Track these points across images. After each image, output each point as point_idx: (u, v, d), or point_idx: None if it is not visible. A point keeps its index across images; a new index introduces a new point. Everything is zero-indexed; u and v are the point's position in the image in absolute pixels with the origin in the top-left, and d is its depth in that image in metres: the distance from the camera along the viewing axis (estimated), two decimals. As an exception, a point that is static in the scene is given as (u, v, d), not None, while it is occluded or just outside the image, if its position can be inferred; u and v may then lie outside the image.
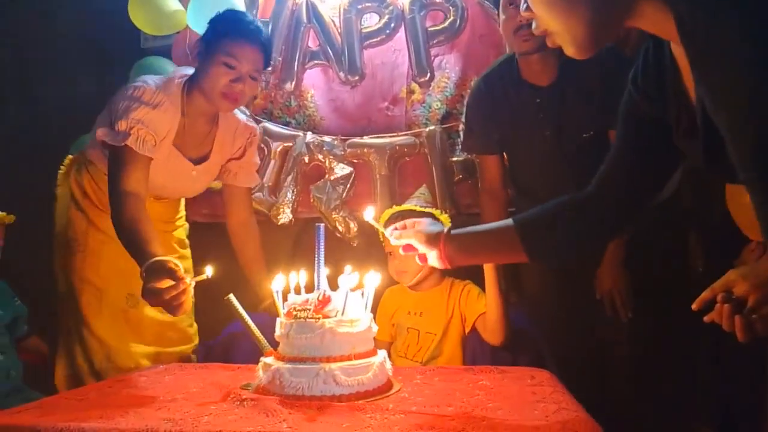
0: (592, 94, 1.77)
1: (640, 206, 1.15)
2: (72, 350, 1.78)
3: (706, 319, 1.17)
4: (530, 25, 1.67)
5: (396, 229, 1.30)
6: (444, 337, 1.68)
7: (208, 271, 1.30)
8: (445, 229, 1.24)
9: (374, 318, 1.29)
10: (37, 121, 2.73)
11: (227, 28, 1.67)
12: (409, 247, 1.27)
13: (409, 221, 1.31)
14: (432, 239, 1.23)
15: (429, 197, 1.83)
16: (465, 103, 2.37)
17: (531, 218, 1.20)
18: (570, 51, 0.89)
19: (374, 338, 1.44)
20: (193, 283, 1.28)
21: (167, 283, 1.25)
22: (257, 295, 1.86)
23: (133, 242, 1.44)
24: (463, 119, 2.34)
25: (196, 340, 1.97)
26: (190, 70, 1.76)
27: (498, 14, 2.30)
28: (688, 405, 1.86)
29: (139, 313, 1.81)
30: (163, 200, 1.90)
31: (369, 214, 1.31)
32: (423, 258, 1.26)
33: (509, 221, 1.20)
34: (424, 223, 1.28)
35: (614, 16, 0.85)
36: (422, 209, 1.72)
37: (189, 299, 1.27)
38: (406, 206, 1.77)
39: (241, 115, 1.93)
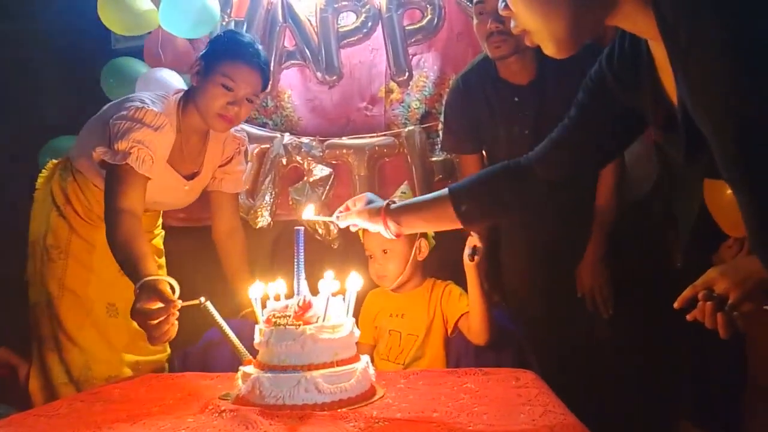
0: (572, 92, 1.77)
1: (576, 181, 1.22)
2: (47, 360, 1.74)
3: (688, 317, 1.17)
4: (501, 32, 1.70)
5: (340, 212, 1.39)
6: (426, 338, 1.66)
7: (202, 298, 1.28)
8: (385, 203, 1.34)
9: (356, 322, 1.27)
10: (3, 124, 2.64)
11: (227, 49, 1.67)
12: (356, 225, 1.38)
13: (349, 201, 1.40)
14: (374, 214, 1.33)
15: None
16: (444, 102, 2.37)
17: (464, 186, 1.29)
18: (549, 50, 0.88)
19: (357, 342, 1.42)
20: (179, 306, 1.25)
21: (157, 304, 1.23)
22: (239, 303, 1.83)
23: (128, 259, 1.41)
24: (442, 118, 2.34)
25: (169, 350, 1.94)
26: (181, 84, 1.75)
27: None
28: (672, 401, 1.87)
29: (119, 323, 1.79)
30: (147, 212, 1.87)
31: (308, 212, 1.41)
32: (397, 235, 1.34)
33: (445, 190, 1.29)
34: (364, 200, 1.37)
35: (594, 14, 0.84)
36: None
37: (173, 328, 1.24)
38: None
39: None
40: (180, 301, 1.24)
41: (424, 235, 1.71)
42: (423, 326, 1.67)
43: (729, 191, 1.54)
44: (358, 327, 1.34)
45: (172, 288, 1.29)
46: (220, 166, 1.91)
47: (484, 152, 2.03)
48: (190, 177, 1.82)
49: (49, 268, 1.77)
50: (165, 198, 1.82)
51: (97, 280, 1.78)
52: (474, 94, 1.92)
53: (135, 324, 1.69)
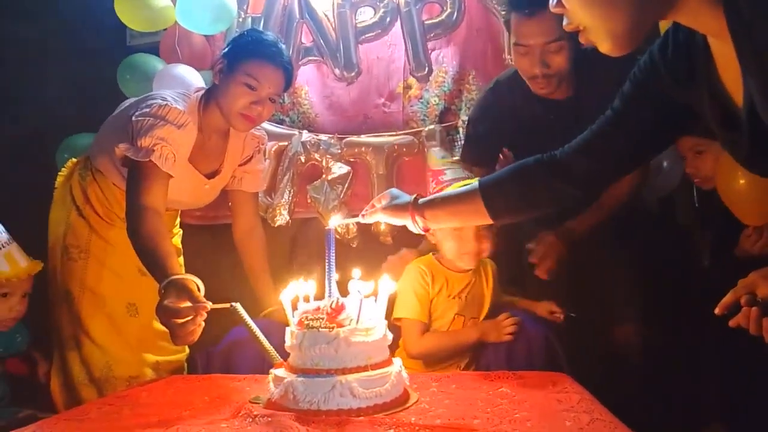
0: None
1: (611, 180, 1.20)
2: (68, 359, 1.73)
3: (731, 323, 1.13)
4: (546, 75, 1.64)
5: (366, 211, 1.39)
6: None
7: (235, 304, 1.25)
8: (411, 198, 1.33)
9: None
10: (20, 122, 2.62)
11: (250, 48, 1.66)
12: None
13: (374, 199, 1.40)
14: (400, 210, 1.32)
15: (457, 164, 1.78)
16: (461, 99, 2.35)
17: (495, 180, 1.27)
18: (605, 47, 0.85)
19: (412, 320, 1.59)
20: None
21: (185, 303, 1.20)
22: (261, 304, 1.82)
23: (153, 257, 1.39)
24: (461, 116, 2.31)
25: (188, 350, 1.91)
26: (199, 80, 1.73)
27: (495, 8, 2.28)
28: (702, 403, 1.84)
29: (139, 322, 1.77)
30: (168, 211, 1.85)
31: (335, 220, 1.44)
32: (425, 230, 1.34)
33: (475, 184, 1.26)
34: (388, 197, 1.36)
35: (655, 9, 0.80)
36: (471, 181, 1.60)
37: (198, 329, 1.21)
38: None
39: None
40: (210, 303, 1.21)
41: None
42: (483, 309, 1.66)
43: (743, 179, 1.52)
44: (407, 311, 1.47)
45: (198, 288, 1.27)
46: (240, 165, 1.89)
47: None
48: (210, 176, 1.80)
49: (69, 267, 1.75)
50: (185, 197, 1.80)
51: (117, 280, 1.77)
52: (504, 109, 1.86)
53: (156, 323, 1.71)
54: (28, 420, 1.44)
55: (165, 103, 1.61)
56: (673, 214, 2.22)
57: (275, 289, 1.68)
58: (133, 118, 1.60)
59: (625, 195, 1.79)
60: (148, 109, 1.59)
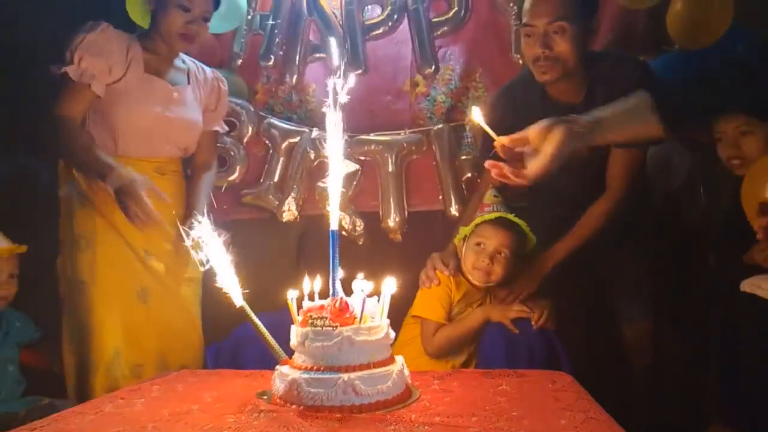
0: None
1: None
2: (80, 347, 1.77)
3: None
4: (548, 57, 1.67)
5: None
6: None
7: (243, 303, 1.27)
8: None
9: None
10: (26, 118, 2.65)
11: None
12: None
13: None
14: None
15: (502, 199, 1.83)
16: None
17: None
18: None
19: (428, 319, 1.70)
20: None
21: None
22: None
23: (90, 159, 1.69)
24: (468, 113, 2.32)
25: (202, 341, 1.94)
26: None
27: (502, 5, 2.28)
28: (704, 402, 1.86)
29: (148, 309, 1.81)
30: (165, 174, 1.92)
31: (476, 113, 1.35)
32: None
33: None
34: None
35: None
36: (515, 219, 1.76)
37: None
38: (501, 213, 1.76)
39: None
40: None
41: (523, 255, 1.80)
42: None
43: None
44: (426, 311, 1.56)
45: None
46: (210, 111, 2.03)
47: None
48: (175, 84, 1.91)
49: (79, 258, 1.79)
50: (155, 116, 1.85)
51: (126, 266, 1.80)
52: (516, 107, 1.88)
53: (165, 309, 1.82)
54: (48, 408, 1.51)
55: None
56: (680, 212, 2.22)
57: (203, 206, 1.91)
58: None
59: (601, 220, 1.79)
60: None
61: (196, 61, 2.05)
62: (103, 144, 1.81)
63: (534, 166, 1.26)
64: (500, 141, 1.31)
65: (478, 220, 1.77)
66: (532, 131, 1.27)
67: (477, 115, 1.34)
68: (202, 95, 2.01)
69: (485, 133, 1.36)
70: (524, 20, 1.73)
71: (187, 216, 1.88)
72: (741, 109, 1.76)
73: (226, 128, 2.26)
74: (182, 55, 1.99)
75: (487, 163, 1.33)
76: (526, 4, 1.73)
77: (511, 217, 1.75)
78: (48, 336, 1.92)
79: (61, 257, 1.85)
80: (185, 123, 1.94)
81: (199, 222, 1.68)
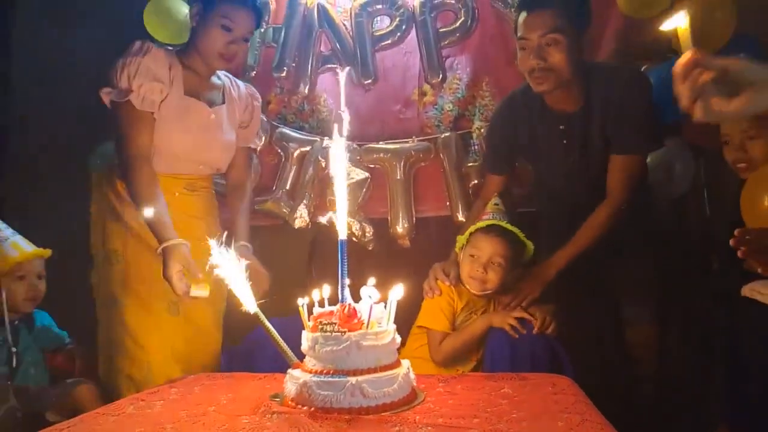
0: (619, 119, 1.79)
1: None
2: (114, 359, 1.80)
3: None
4: (543, 69, 1.72)
5: None
6: None
7: (256, 309, 1.32)
8: None
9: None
10: (53, 129, 2.74)
11: None
12: None
13: None
14: None
15: (502, 206, 1.86)
16: (476, 104, 2.41)
17: None
18: None
19: (434, 330, 1.75)
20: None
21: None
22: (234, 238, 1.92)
23: (151, 221, 1.68)
24: (475, 122, 2.37)
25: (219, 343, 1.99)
26: None
27: (508, 15, 2.33)
28: (710, 405, 1.88)
29: (178, 321, 1.84)
30: (196, 191, 1.93)
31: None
32: None
33: None
34: None
35: None
36: (509, 227, 1.78)
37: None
38: (493, 221, 1.80)
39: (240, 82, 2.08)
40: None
41: (521, 263, 1.83)
42: None
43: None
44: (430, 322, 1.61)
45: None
46: (242, 128, 2.02)
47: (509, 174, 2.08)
48: (212, 104, 1.90)
49: (111, 273, 1.84)
50: (192, 139, 1.85)
51: (157, 280, 1.75)
52: (517, 120, 1.95)
53: (191, 321, 1.84)
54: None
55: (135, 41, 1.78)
56: (684, 217, 2.25)
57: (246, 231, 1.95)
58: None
59: (602, 226, 1.82)
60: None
61: (230, 76, 2.03)
62: None
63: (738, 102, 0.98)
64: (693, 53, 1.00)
65: (471, 228, 1.80)
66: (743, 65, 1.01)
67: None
68: (237, 113, 2.00)
69: None
70: (519, 34, 1.78)
71: (216, 231, 1.89)
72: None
73: (259, 144, 2.31)
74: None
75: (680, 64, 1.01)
76: (520, 18, 1.78)
77: (503, 224, 1.77)
78: (80, 343, 2.00)
79: (94, 270, 1.90)
80: (220, 144, 1.94)
81: (247, 247, 1.86)
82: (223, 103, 1.94)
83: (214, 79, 1.94)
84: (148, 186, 1.72)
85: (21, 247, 1.93)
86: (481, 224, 1.79)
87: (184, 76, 1.83)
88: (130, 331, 1.80)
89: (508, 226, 1.78)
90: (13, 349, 1.85)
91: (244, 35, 1.82)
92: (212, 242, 1.29)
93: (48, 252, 1.95)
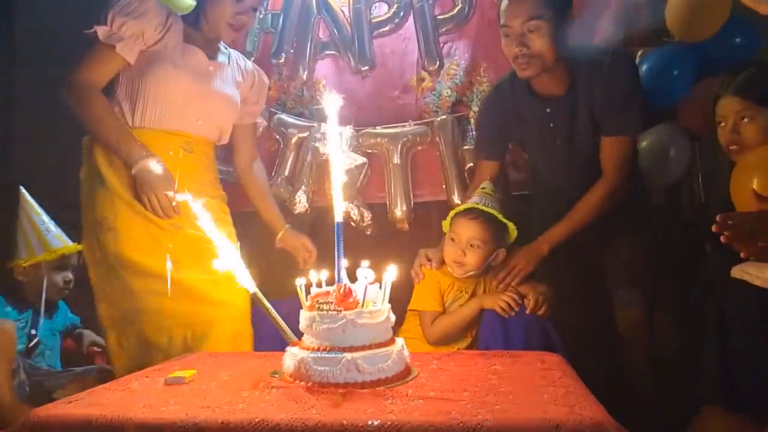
0: (604, 102, 1.81)
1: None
2: (125, 329, 1.76)
3: None
4: (525, 55, 1.74)
5: None
6: None
7: (255, 290, 1.35)
8: None
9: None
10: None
11: None
12: None
13: None
14: None
15: (492, 190, 1.89)
16: (474, 90, 2.44)
17: None
18: None
19: (427, 311, 1.79)
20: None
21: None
22: (271, 228, 2.09)
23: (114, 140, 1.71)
24: (472, 107, 2.40)
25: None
26: None
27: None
28: (699, 387, 1.92)
29: (178, 282, 1.72)
30: (194, 153, 1.86)
31: None
32: None
33: None
34: None
35: None
36: (486, 208, 1.80)
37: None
38: (471, 204, 1.84)
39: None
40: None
41: (505, 244, 1.85)
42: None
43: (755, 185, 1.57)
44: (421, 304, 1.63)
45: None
46: (248, 105, 2.03)
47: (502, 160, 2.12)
48: (212, 56, 1.89)
49: (105, 240, 1.74)
50: (190, 90, 1.80)
51: (151, 242, 1.74)
52: (505, 105, 1.98)
53: (192, 282, 1.78)
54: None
55: None
56: (677, 200, 2.28)
57: (280, 213, 2.03)
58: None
59: (597, 205, 1.84)
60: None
61: (237, 52, 2.04)
62: (123, 115, 1.76)
63: None
64: None
65: (451, 213, 1.85)
66: None
67: None
68: (244, 84, 1.99)
69: None
70: (501, 21, 1.80)
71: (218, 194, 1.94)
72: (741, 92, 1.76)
73: (265, 123, 2.34)
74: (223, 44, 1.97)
75: None
76: (503, 6, 1.80)
77: (481, 206, 1.80)
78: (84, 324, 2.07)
79: (85, 241, 1.82)
80: (220, 98, 1.87)
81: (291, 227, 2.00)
82: (229, 65, 1.94)
83: (220, 46, 1.94)
84: (103, 108, 1.71)
85: (63, 239, 2.04)
86: (460, 208, 1.84)
87: (187, 32, 1.81)
88: (133, 298, 1.73)
89: (485, 208, 1.79)
90: (33, 332, 1.92)
91: (253, 4, 1.81)
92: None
93: (80, 246, 1.95)
